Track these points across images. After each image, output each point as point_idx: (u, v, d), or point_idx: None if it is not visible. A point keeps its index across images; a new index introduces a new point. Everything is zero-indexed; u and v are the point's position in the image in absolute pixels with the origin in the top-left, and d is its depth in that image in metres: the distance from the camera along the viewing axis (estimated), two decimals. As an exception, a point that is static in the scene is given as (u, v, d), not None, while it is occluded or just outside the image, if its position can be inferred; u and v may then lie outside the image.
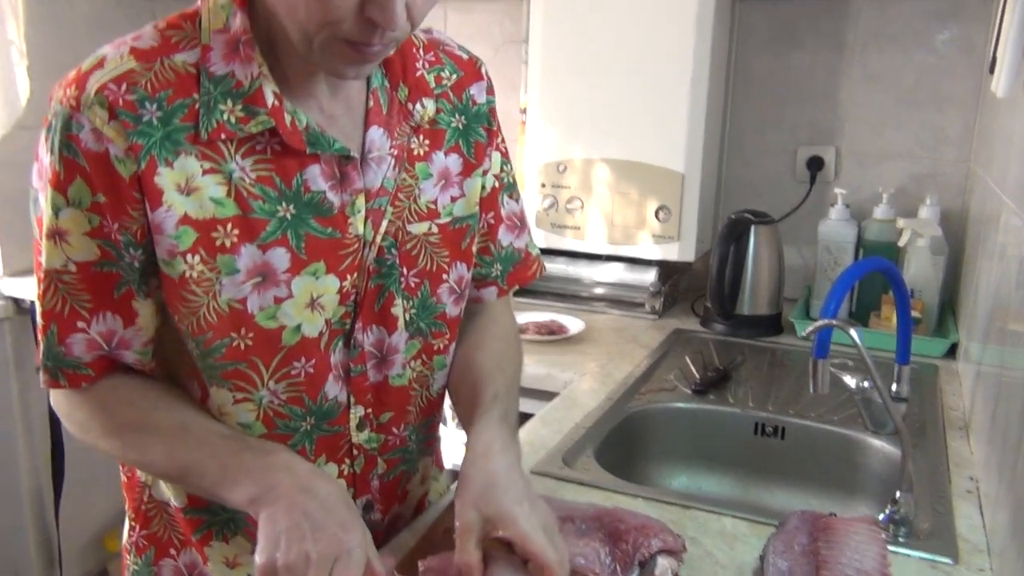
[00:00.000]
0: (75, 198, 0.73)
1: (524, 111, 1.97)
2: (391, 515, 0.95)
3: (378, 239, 0.83)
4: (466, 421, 0.88)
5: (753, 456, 1.34)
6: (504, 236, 0.98)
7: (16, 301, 2.07)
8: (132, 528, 0.95)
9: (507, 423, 0.86)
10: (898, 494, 0.97)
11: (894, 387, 1.25)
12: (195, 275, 0.75)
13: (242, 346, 0.78)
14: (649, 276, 1.85)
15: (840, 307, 1.04)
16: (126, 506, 0.96)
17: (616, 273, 1.89)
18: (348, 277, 0.81)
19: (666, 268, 1.88)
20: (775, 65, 1.95)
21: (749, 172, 2.01)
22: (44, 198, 0.74)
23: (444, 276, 0.90)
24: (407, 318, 0.87)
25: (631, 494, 1.04)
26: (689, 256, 1.81)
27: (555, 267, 1.92)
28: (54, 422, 2.14)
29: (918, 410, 1.33)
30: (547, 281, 1.95)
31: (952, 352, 1.61)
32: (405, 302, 0.87)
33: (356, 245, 0.81)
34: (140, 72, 0.72)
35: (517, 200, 1.00)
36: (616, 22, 1.77)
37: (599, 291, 1.91)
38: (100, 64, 0.72)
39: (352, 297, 0.83)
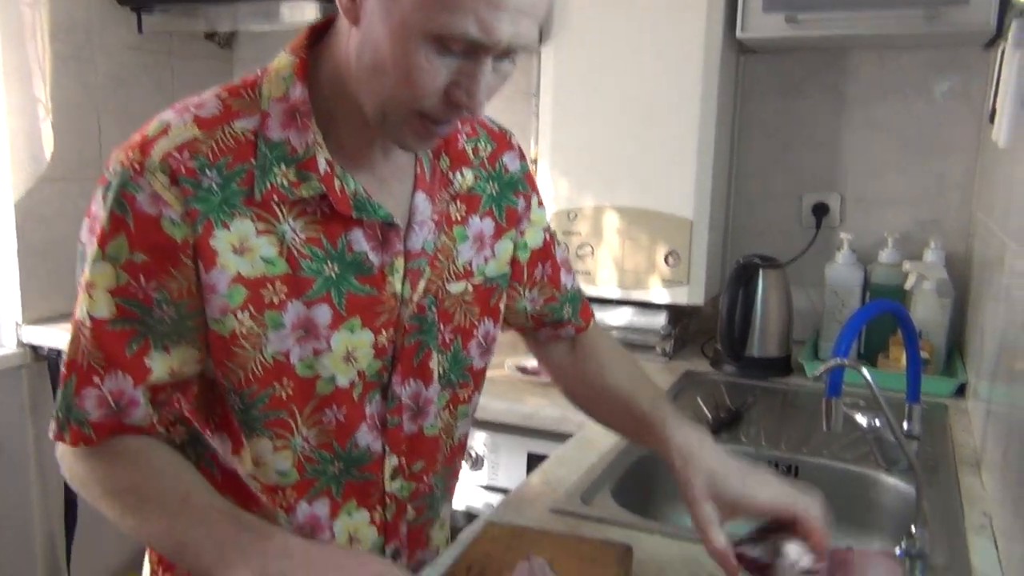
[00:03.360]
0: (112, 254, 0.75)
1: (535, 161, 2.03)
2: (415, 561, 0.97)
3: (415, 297, 0.87)
4: (640, 438, 0.96)
5: (768, 495, 1.35)
6: (566, 279, 1.06)
7: (34, 348, 2.11)
8: (154, 572, 0.96)
9: (682, 418, 0.92)
10: (913, 529, 0.98)
11: (905, 425, 1.27)
12: (244, 331, 0.79)
13: (283, 396, 0.82)
14: (659, 320, 1.89)
15: (851, 348, 1.07)
16: (148, 550, 0.97)
17: (627, 317, 1.92)
18: (384, 332, 0.85)
19: (676, 311, 1.91)
20: (779, 114, 2.01)
21: (756, 217, 2.06)
22: (87, 252, 0.77)
23: (474, 332, 0.95)
24: (440, 371, 0.91)
25: (649, 530, 1.06)
26: (698, 299, 1.84)
27: (566, 312, 1.96)
28: (69, 469, 2.15)
29: (930, 448, 1.35)
30: (559, 326, 1.98)
31: (961, 391, 1.63)
32: (440, 356, 0.91)
33: (393, 303, 0.85)
34: (203, 140, 0.76)
35: (562, 246, 1.08)
36: (625, 74, 1.83)
37: (611, 335, 1.94)
38: (165, 132, 0.76)
39: (389, 352, 0.86)
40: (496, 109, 1.02)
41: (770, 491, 0.82)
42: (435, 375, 0.90)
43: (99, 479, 0.80)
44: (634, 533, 1.05)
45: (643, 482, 1.33)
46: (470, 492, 1.66)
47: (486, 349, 0.97)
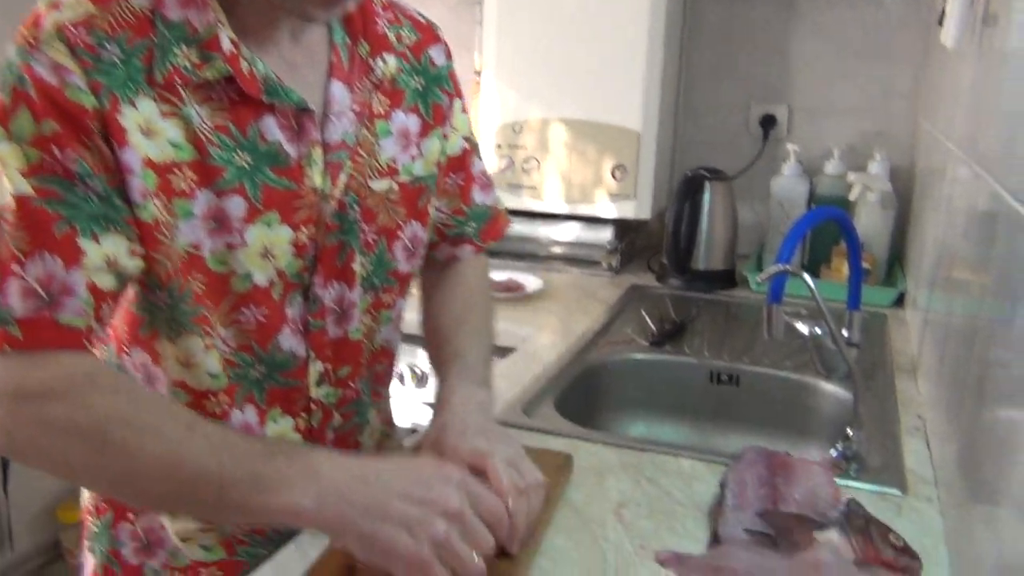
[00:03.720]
0: (17, 132, 0.68)
1: (479, 72, 1.96)
2: None
3: (336, 192, 0.82)
4: (436, 372, 0.94)
5: (709, 403, 1.36)
6: (477, 194, 1.01)
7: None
8: (92, 512, 0.93)
9: (468, 375, 0.89)
10: (850, 431, 0.99)
11: (845, 333, 1.28)
12: (162, 218, 0.74)
13: (199, 290, 0.77)
14: (606, 234, 1.86)
15: (794, 254, 1.06)
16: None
17: (573, 232, 1.90)
18: (304, 229, 0.81)
19: (622, 226, 1.89)
20: (728, 20, 1.96)
21: (703, 130, 2.03)
22: None
23: (399, 233, 0.91)
24: (363, 274, 0.88)
25: (591, 440, 1.06)
26: (645, 214, 1.82)
27: (512, 228, 1.91)
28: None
29: (868, 355, 1.37)
30: (504, 241, 1.92)
31: (900, 302, 1.65)
32: (363, 258, 0.87)
33: (313, 198, 0.81)
34: (98, 15, 0.70)
35: (482, 159, 1.04)
36: (570, -20, 1.76)
37: (556, 250, 1.92)
38: (56, 6, 0.70)
39: (310, 251, 0.82)
40: (438, 18, 0.97)
41: (473, 444, 0.77)
42: (358, 277, 0.87)
43: (67, 417, 0.68)
44: (575, 442, 1.05)
45: (586, 394, 1.32)
46: (415, 409, 1.64)
47: (413, 253, 0.93)
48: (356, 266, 0.86)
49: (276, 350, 0.83)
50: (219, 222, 0.76)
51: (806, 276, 1.00)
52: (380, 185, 0.87)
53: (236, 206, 0.76)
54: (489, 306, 1.04)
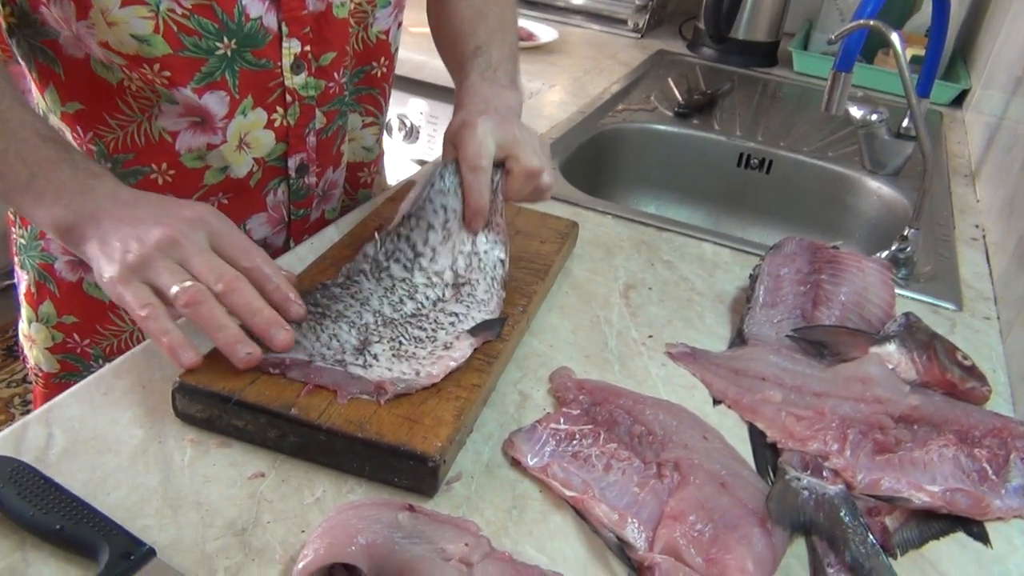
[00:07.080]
0: None
1: None
2: (325, 181, 0.80)
3: None
4: (454, 78, 0.79)
5: (732, 189, 1.20)
6: None
7: None
8: None
9: (495, 76, 0.75)
10: (908, 231, 0.84)
11: (905, 122, 1.11)
12: None
13: None
14: (636, -12, 1.62)
15: (879, 9, 0.86)
16: None
17: (598, -18, 1.65)
18: None
19: (656, -19, 1.64)
20: None
21: None
22: None
23: None
24: None
25: (601, 211, 0.90)
26: (685, -33, 1.57)
27: (529, -31, 1.66)
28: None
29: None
30: (518, -15, 1.70)
31: (957, 101, 1.46)
32: None
33: None
34: None
35: None
36: None
37: (577, 1, 1.67)
38: None
39: None
40: None
41: (531, 150, 0.68)
42: None
43: None
44: (582, 212, 0.90)
45: (597, 162, 1.16)
46: (403, 165, 1.48)
47: None
48: None
49: (243, 16, 0.65)
50: None
51: (895, 37, 0.81)
52: None
53: None
54: (512, 2, 0.87)
